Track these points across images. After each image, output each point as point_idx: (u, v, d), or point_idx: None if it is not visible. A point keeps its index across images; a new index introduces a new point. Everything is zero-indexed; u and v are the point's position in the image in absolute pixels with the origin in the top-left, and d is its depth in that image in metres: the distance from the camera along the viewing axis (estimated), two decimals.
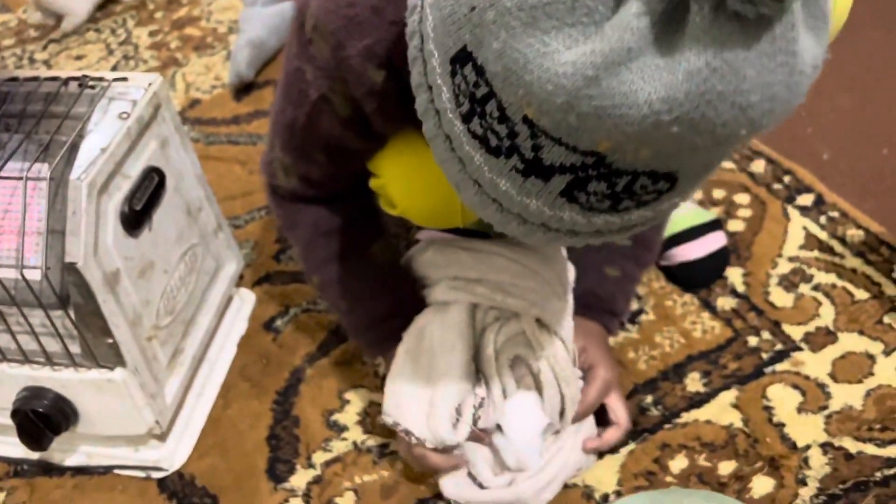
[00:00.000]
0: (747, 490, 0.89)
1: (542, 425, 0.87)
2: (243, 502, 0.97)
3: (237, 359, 1.11)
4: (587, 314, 0.94)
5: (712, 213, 1.17)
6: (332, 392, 1.06)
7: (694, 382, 1.01)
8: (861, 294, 1.07)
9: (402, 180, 0.84)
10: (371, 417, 1.03)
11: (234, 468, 1.00)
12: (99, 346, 0.85)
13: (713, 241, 1.13)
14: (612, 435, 0.92)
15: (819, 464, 0.91)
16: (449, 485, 0.90)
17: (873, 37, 1.46)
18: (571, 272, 0.94)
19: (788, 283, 1.11)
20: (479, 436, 0.88)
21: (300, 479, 0.98)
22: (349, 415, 1.03)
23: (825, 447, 0.92)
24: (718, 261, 1.13)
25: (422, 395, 0.87)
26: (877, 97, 1.37)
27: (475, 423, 0.87)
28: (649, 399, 1.00)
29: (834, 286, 1.09)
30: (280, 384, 1.08)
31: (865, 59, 1.42)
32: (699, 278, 1.12)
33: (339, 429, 1.02)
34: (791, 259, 1.13)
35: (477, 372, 0.89)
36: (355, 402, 1.05)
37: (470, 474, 0.90)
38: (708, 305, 1.10)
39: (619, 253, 0.95)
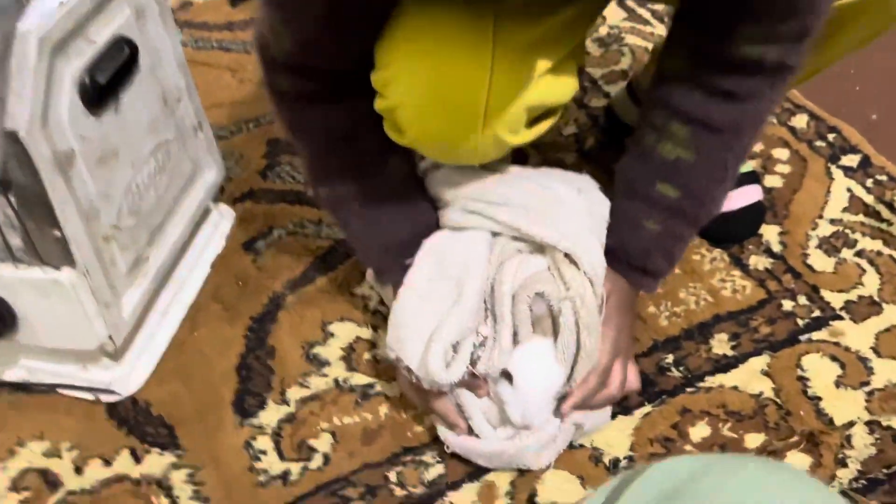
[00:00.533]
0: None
1: (560, 379, 0.76)
2: (203, 437, 0.85)
3: (211, 279, 0.99)
4: (613, 267, 0.82)
5: (749, 164, 1.06)
6: (315, 323, 0.94)
7: (721, 345, 0.91)
8: None
9: (412, 85, 0.70)
10: (357, 354, 0.91)
11: (197, 398, 0.88)
12: (44, 240, 0.72)
13: (749, 194, 1.02)
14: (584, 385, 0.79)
15: (863, 444, 0.80)
16: (449, 433, 0.79)
17: None
18: (606, 207, 0.82)
19: (829, 246, 1.00)
20: (476, 382, 0.77)
21: (271, 415, 0.86)
22: (332, 349, 0.92)
23: (871, 426, 0.82)
24: (753, 215, 1.02)
25: (424, 328, 0.75)
26: None
27: (473, 364, 0.76)
28: (670, 359, 0.89)
29: (879, 254, 0.98)
30: (256, 310, 0.96)
31: None
32: (731, 232, 1.01)
33: (320, 363, 0.90)
34: (833, 221, 1.02)
35: (486, 310, 0.78)
36: (340, 335, 0.93)
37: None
38: (739, 263, 0.99)
39: (664, 205, 0.79)
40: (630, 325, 0.83)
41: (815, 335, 0.91)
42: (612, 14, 1.37)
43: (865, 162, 1.09)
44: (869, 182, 1.07)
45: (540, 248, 0.77)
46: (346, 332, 0.93)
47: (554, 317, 0.76)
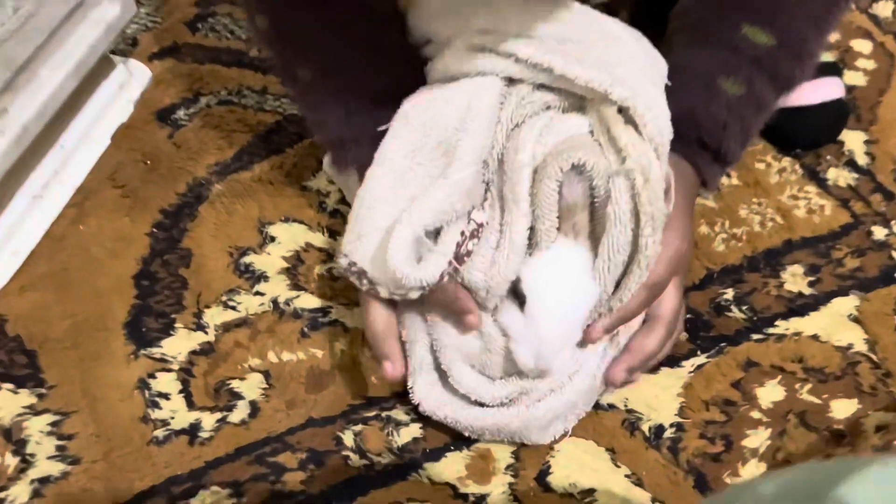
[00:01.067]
0: (892, 447, 0.57)
1: (592, 300, 0.52)
2: (77, 370, 0.60)
3: (109, 156, 0.73)
4: (672, 146, 0.57)
5: (829, 55, 0.82)
6: (249, 222, 0.68)
7: (795, 279, 0.68)
8: None
9: None
10: (306, 267, 0.66)
11: (74, 314, 0.63)
12: None
13: (829, 88, 0.78)
14: (649, 340, 0.56)
15: None
16: (423, 389, 0.55)
17: None
18: (665, 67, 0.57)
19: None
20: (462, 300, 0.53)
21: (179, 344, 0.62)
22: (272, 259, 0.66)
23: None
24: (835, 115, 0.78)
25: (392, 218, 0.50)
26: None
27: (459, 259, 0.51)
28: (729, 294, 0.67)
29: None
30: (169, 200, 0.70)
31: None
32: (806, 134, 0.77)
33: (254, 277, 0.65)
34: None
35: (487, 191, 0.53)
36: (284, 240, 0.67)
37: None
38: (815, 176, 0.75)
39: (751, 56, 0.57)
40: (693, 237, 0.59)
41: None
42: None
43: None
44: None
45: (579, 102, 0.52)
46: (291, 236, 0.68)
47: (595, 207, 0.51)
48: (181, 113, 0.76)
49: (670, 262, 0.55)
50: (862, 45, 0.88)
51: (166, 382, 0.60)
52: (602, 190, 0.50)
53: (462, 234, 0.51)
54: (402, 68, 0.56)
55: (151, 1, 0.85)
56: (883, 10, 0.91)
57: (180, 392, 0.59)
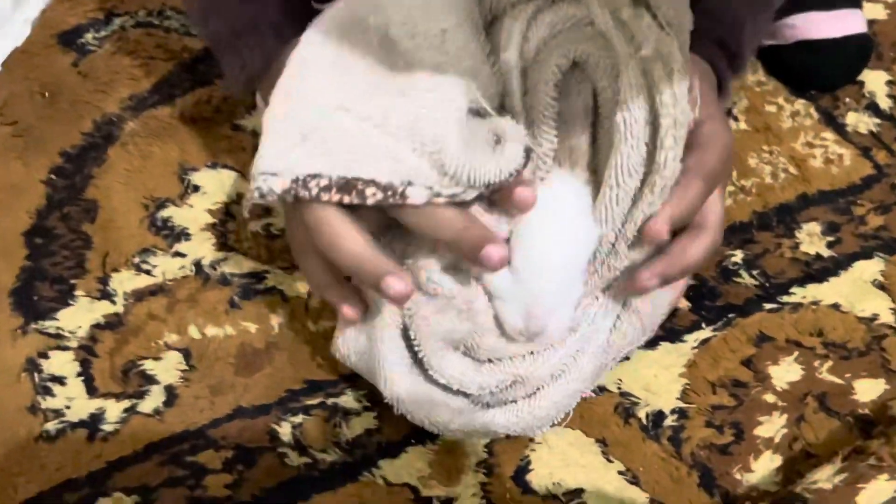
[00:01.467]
0: None
1: (591, 243, 0.42)
2: None
3: None
4: (692, 46, 0.46)
5: None
6: (169, 168, 0.57)
7: (812, 240, 0.59)
8: None
9: None
10: (237, 224, 0.55)
11: None
12: None
13: (851, 21, 0.68)
14: (693, 247, 0.43)
15: None
16: (398, 382, 0.43)
17: None
18: None
19: None
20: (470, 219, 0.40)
21: (79, 316, 0.51)
22: (195, 212, 0.55)
23: None
24: (855, 52, 0.69)
25: (329, 106, 0.39)
26: None
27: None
28: (738, 256, 0.57)
29: None
30: (72, 140, 0.58)
31: None
32: (823, 73, 0.68)
33: (173, 234, 0.54)
34: None
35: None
36: (211, 189, 0.56)
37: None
38: (833, 121, 0.66)
39: None
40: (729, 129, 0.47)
41: None
42: None
43: None
44: None
45: None
46: (219, 185, 0.56)
47: (597, 127, 0.41)
48: (89, 36, 0.63)
49: (725, 150, 0.43)
50: None
51: (61, 363, 0.49)
52: (609, 94, 0.39)
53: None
54: None
55: None
56: None
57: (79, 375, 0.48)
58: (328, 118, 0.38)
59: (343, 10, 0.40)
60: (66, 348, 0.49)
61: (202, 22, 0.50)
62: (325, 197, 0.37)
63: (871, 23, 0.73)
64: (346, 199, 0.37)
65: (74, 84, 0.60)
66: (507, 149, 0.37)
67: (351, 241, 0.39)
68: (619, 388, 0.51)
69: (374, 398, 0.49)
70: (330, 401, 0.48)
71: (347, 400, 0.49)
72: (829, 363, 0.53)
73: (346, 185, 0.37)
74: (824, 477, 0.45)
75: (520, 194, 0.38)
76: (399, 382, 0.42)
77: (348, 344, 0.44)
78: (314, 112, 0.38)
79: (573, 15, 0.40)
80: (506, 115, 0.40)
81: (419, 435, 0.48)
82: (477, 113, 0.38)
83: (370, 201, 0.37)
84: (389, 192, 0.37)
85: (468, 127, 0.37)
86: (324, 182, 0.37)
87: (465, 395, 0.43)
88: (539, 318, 0.41)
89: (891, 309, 0.56)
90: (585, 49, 0.39)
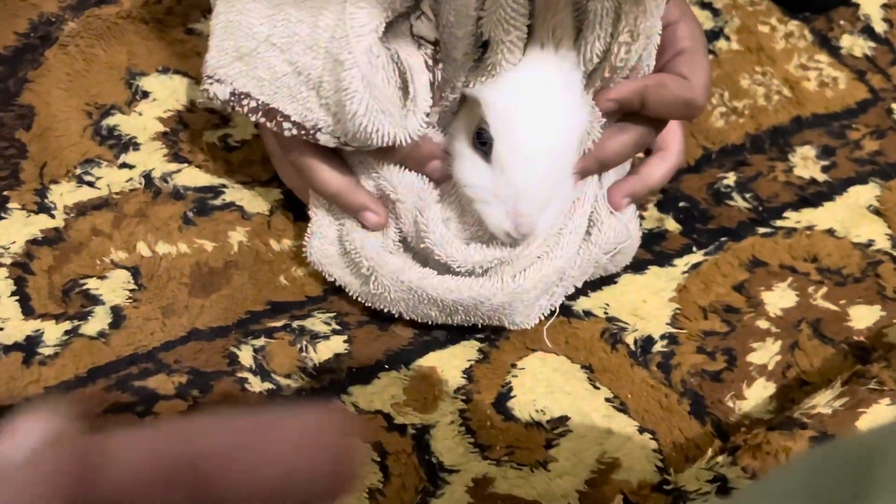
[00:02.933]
0: None
1: (580, 129, 0.38)
2: None
3: None
4: None
5: None
6: (115, 72, 0.51)
7: (806, 163, 0.56)
8: None
9: None
10: (191, 132, 0.50)
11: None
12: None
13: None
14: (659, 170, 0.46)
15: None
16: (373, 250, 0.41)
17: None
18: None
19: None
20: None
21: (13, 230, 0.46)
22: (145, 120, 0.50)
23: None
24: None
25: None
26: None
27: (437, 99, 0.39)
28: (730, 179, 0.54)
29: None
30: (5, 41, 0.52)
31: None
32: None
33: (120, 144, 0.49)
34: None
35: None
36: (162, 96, 0.51)
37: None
38: (827, 44, 0.63)
39: None
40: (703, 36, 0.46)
41: None
42: None
43: None
44: None
45: None
46: (171, 91, 0.51)
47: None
48: None
49: (707, 86, 0.43)
50: None
51: None
52: None
53: (427, 67, 0.37)
54: None
55: None
56: None
57: (13, 295, 0.44)
58: (259, 47, 0.39)
59: None
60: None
61: None
62: (252, 117, 0.40)
63: None
64: (269, 125, 0.39)
65: None
66: (415, 105, 0.38)
67: (330, 179, 0.42)
68: (605, 314, 0.47)
69: (344, 322, 0.45)
70: (296, 323, 0.44)
71: (315, 322, 0.45)
72: (824, 289, 0.50)
73: (269, 113, 0.39)
74: (823, 402, 0.43)
75: (430, 170, 0.41)
76: (385, 265, 0.40)
77: (319, 248, 0.42)
78: (248, 37, 0.39)
79: None
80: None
81: (393, 359, 0.44)
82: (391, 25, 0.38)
83: (286, 134, 0.40)
84: (302, 131, 0.39)
85: (376, 66, 0.37)
86: (252, 104, 0.39)
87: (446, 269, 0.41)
88: (527, 217, 0.37)
89: (886, 235, 0.53)
90: None
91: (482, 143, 0.37)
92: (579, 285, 0.45)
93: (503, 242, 0.39)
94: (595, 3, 0.36)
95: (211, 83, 0.40)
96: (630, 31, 0.37)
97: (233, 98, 0.39)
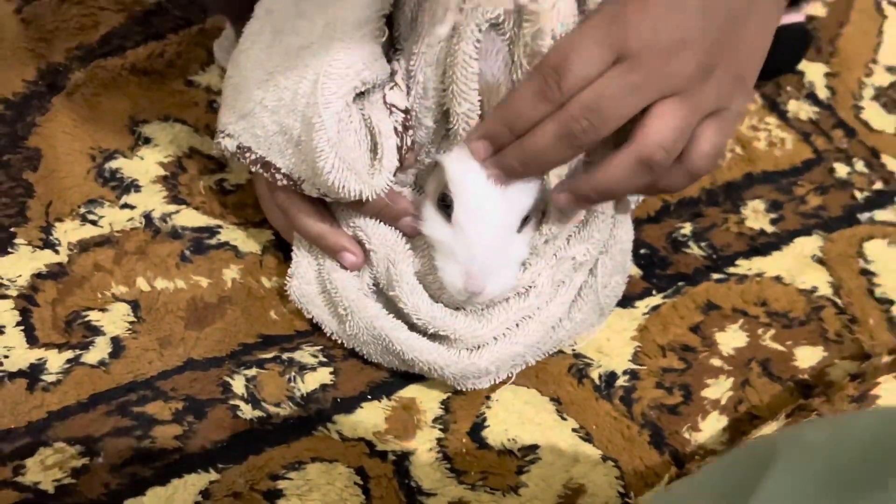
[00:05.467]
0: (869, 398, 0.51)
1: (532, 195, 0.42)
2: None
3: None
4: None
5: None
6: (119, 119, 0.55)
7: (757, 216, 0.61)
8: None
9: None
10: (189, 175, 0.53)
11: None
12: None
13: (790, 12, 0.71)
14: (610, 166, 0.39)
15: None
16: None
17: None
18: None
19: (889, 100, 0.71)
20: (393, 196, 0.44)
21: (19, 264, 0.48)
22: (146, 164, 0.53)
23: None
24: (795, 40, 0.72)
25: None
26: None
27: (403, 162, 0.44)
28: (687, 229, 0.59)
29: None
30: (13, 87, 0.55)
31: None
32: (767, 59, 0.70)
33: (122, 186, 0.52)
34: (890, 69, 0.74)
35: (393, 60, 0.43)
36: (163, 142, 0.54)
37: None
38: (776, 107, 0.68)
39: None
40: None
41: (880, 214, 0.63)
42: None
43: None
44: None
45: None
46: (171, 138, 0.55)
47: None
48: None
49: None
50: None
51: (0, 312, 0.46)
52: (527, 50, 0.39)
53: (396, 132, 0.41)
54: None
55: None
56: None
57: (18, 325, 0.46)
58: (255, 108, 0.44)
59: None
60: (4, 297, 0.47)
61: None
62: (253, 168, 0.44)
63: (811, 19, 0.76)
64: (266, 175, 0.44)
65: (16, 32, 0.58)
66: (381, 165, 0.42)
67: (312, 220, 0.46)
68: (573, 350, 0.51)
69: (330, 354, 0.48)
70: (285, 355, 0.47)
71: (303, 355, 0.48)
72: (772, 331, 0.55)
73: (265, 165, 0.44)
74: (769, 432, 0.46)
75: (403, 225, 0.45)
76: (363, 309, 0.44)
77: (299, 287, 0.47)
78: (248, 100, 0.44)
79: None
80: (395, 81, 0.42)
81: (376, 391, 0.47)
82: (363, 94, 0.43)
83: (279, 183, 0.44)
84: (291, 182, 0.44)
85: (348, 129, 0.42)
86: (253, 156, 0.44)
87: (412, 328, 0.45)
88: (477, 277, 0.41)
89: (829, 282, 0.58)
90: (500, 5, 0.38)
91: (445, 205, 0.41)
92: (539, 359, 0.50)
93: (462, 307, 0.43)
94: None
95: (223, 137, 0.45)
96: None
97: (238, 151, 0.44)
